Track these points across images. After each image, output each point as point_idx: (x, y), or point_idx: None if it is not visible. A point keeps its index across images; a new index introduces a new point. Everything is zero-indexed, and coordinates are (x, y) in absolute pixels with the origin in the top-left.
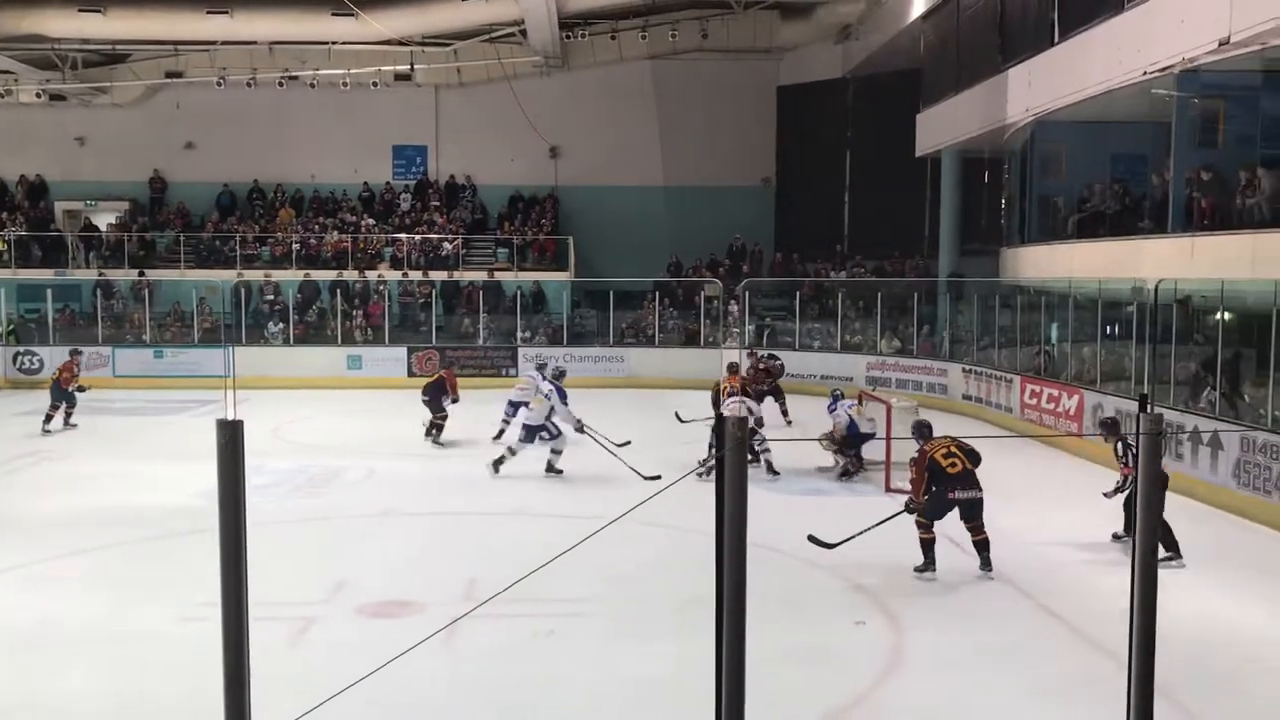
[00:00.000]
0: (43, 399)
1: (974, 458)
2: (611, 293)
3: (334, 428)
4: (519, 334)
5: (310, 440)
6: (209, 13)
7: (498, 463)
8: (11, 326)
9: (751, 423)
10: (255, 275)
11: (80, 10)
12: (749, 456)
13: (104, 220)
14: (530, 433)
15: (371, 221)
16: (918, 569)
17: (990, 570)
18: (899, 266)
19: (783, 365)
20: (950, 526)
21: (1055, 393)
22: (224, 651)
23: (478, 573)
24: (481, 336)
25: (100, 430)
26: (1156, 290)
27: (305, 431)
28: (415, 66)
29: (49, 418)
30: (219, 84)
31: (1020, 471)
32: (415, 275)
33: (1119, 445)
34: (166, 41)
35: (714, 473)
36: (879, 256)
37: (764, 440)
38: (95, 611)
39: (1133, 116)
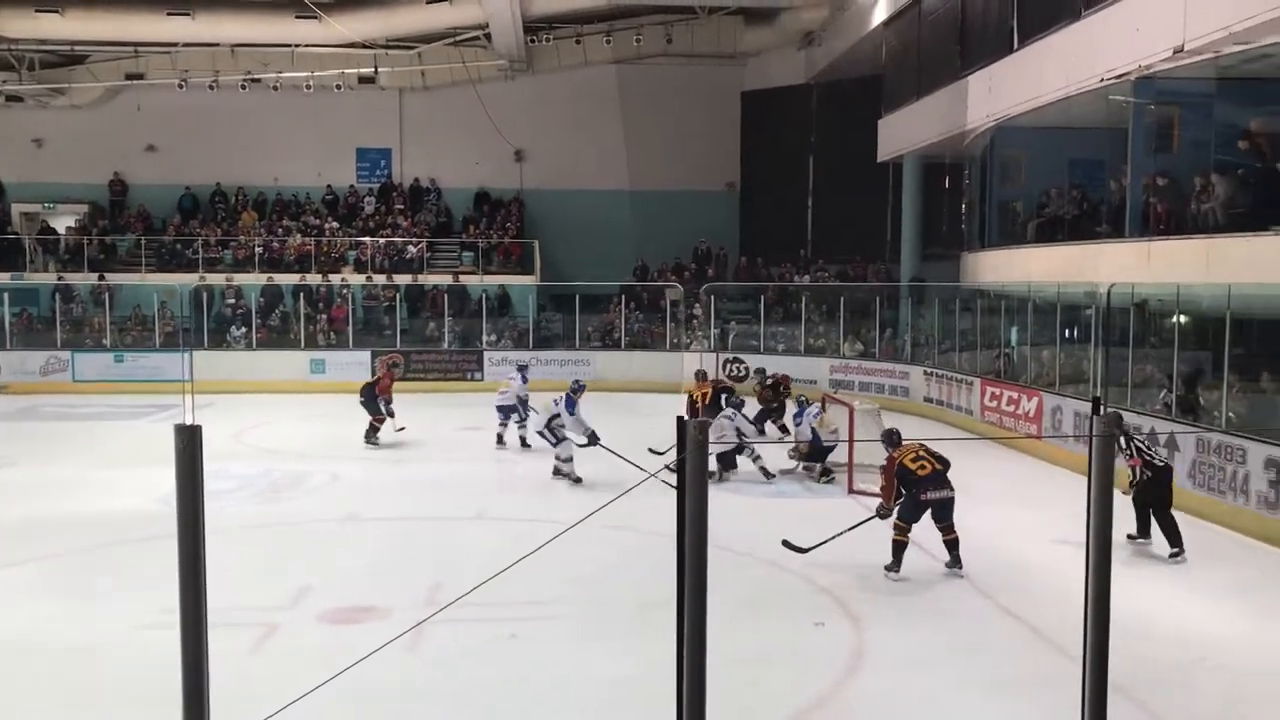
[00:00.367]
0: None
1: (943, 461)
2: (577, 296)
3: (297, 432)
4: (484, 337)
5: (273, 445)
6: (170, 14)
7: (561, 473)
8: None
9: (735, 435)
10: (217, 279)
11: (37, 10)
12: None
13: (62, 223)
14: (504, 413)
15: (335, 225)
16: (887, 568)
17: (960, 568)
18: (862, 271)
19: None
20: (915, 528)
21: (1015, 395)
22: (183, 658)
23: (442, 577)
24: (446, 340)
25: (59, 435)
26: (1109, 294)
27: (268, 436)
28: (379, 69)
29: None
30: (180, 86)
31: (981, 473)
32: (379, 279)
33: (1122, 439)
34: (126, 43)
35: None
36: (842, 261)
37: (755, 450)
38: (53, 620)
39: (1090, 123)
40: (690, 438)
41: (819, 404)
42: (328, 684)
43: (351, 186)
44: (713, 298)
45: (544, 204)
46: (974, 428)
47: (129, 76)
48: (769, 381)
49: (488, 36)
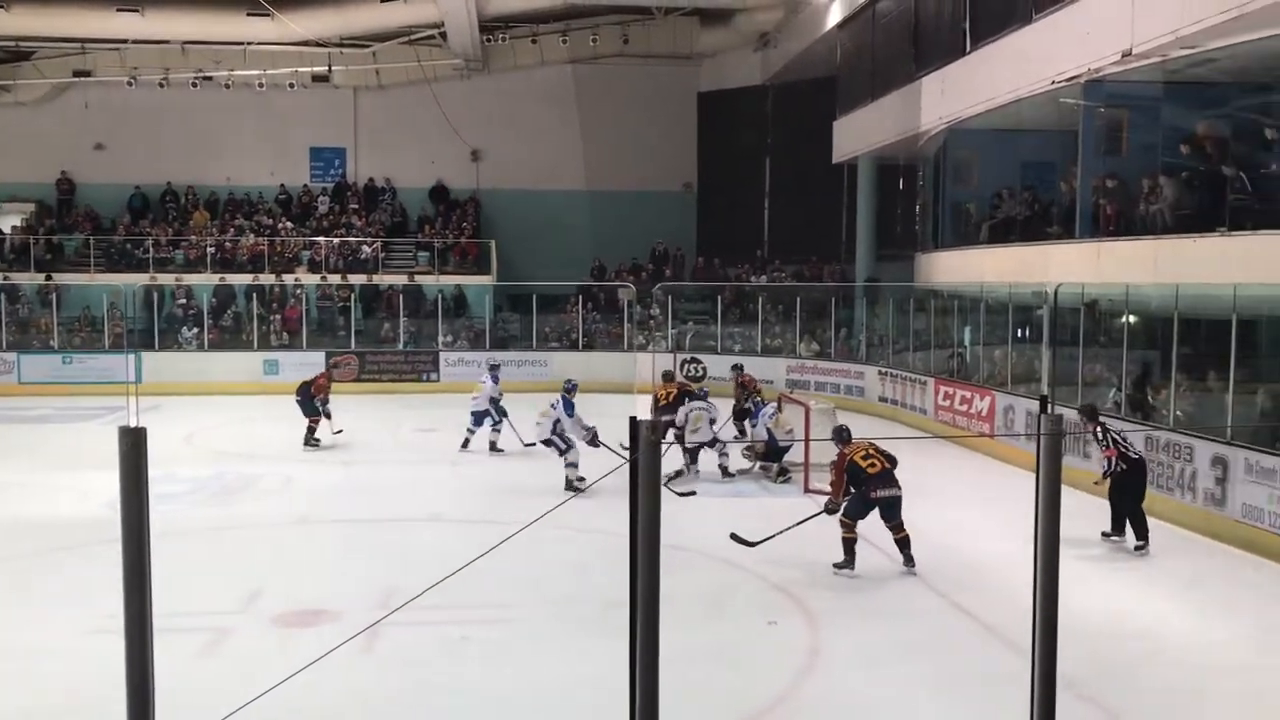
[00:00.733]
0: None
1: (891, 460)
2: (534, 297)
3: (250, 434)
4: (440, 338)
5: (225, 447)
6: (119, 10)
7: (573, 484)
8: None
9: (710, 432)
10: (168, 279)
11: None
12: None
13: (8, 222)
14: (477, 418)
15: (289, 224)
16: (837, 565)
17: (913, 567)
18: (817, 271)
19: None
20: (867, 526)
21: (968, 394)
22: (127, 663)
23: (396, 580)
24: (402, 341)
25: (4, 439)
26: (1056, 294)
27: (220, 438)
28: (333, 68)
29: None
30: (130, 84)
31: (935, 472)
32: (334, 279)
33: (1098, 430)
34: (74, 39)
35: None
36: (798, 261)
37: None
38: None
39: (1042, 125)
40: (642, 438)
41: (774, 404)
42: (279, 687)
43: (305, 186)
44: (669, 297)
45: (500, 204)
46: (928, 427)
47: (77, 74)
48: (740, 381)
49: (443, 35)
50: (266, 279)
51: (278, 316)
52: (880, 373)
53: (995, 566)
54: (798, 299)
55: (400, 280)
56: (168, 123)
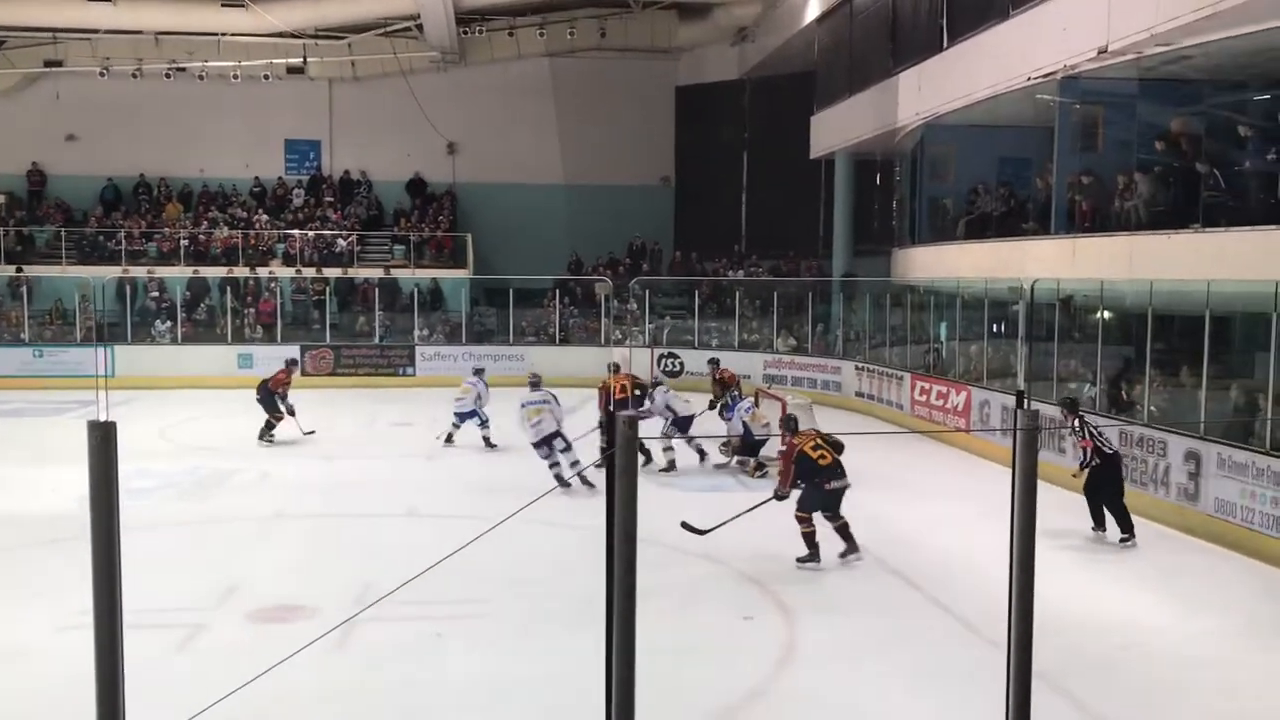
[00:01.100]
0: None
1: (838, 448)
2: (511, 291)
3: (224, 429)
4: (416, 332)
5: (199, 442)
6: (91, 0)
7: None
8: None
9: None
10: (141, 272)
11: None
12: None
13: None
14: (461, 418)
15: (264, 217)
16: (801, 560)
17: (858, 553)
18: (795, 266)
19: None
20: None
21: (944, 389)
22: (96, 660)
23: (371, 575)
24: (378, 334)
25: None
26: (1033, 290)
27: (194, 433)
28: (308, 60)
29: None
30: (102, 74)
31: (911, 467)
32: (309, 272)
33: (1077, 421)
34: (45, 29)
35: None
36: (776, 256)
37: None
38: None
39: (1018, 121)
40: (620, 433)
41: (751, 399)
42: (253, 683)
43: (280, 178)
44: (647, 292)
45: (477, 197)
46: (904, 422)
47: (48, 63)
48: (720, 376)
49: (419, 27)
50: (241, 272)
51: (252, 310)
52: (857, 368)
53: (971, 560)
54: (775, 294)
55: (376, 274)
56: (141, 114)
